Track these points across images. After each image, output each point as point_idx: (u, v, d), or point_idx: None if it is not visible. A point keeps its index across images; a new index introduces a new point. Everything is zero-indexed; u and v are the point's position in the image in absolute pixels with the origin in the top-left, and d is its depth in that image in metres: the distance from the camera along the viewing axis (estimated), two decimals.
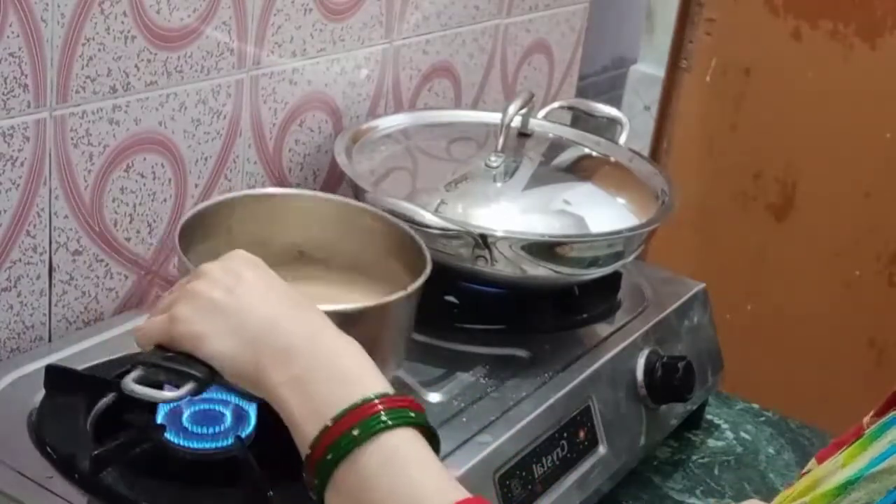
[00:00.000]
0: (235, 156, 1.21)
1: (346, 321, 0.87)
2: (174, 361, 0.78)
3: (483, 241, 1.07)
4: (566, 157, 1.33)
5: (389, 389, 0.69)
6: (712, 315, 1.31)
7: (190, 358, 0.78)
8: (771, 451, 1.29)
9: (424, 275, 0.93)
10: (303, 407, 0.70)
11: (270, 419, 0.78)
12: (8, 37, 0.96)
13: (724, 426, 1.32)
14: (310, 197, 1.07)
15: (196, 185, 1.18)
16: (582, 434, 1.07)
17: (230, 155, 1.21)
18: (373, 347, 0.88)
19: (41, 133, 1.01)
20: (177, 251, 0.89)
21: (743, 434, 1.31)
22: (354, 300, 0.96)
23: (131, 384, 0.77)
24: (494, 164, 1.21)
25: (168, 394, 0.78)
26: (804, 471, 0.80)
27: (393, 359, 0.93)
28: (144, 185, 1.13)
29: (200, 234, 0.94)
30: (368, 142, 1.27)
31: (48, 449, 0.89)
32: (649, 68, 1.98)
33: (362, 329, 0.88)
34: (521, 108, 1.25)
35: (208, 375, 0.78)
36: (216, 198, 0.98)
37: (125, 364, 0.93)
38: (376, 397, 0.68)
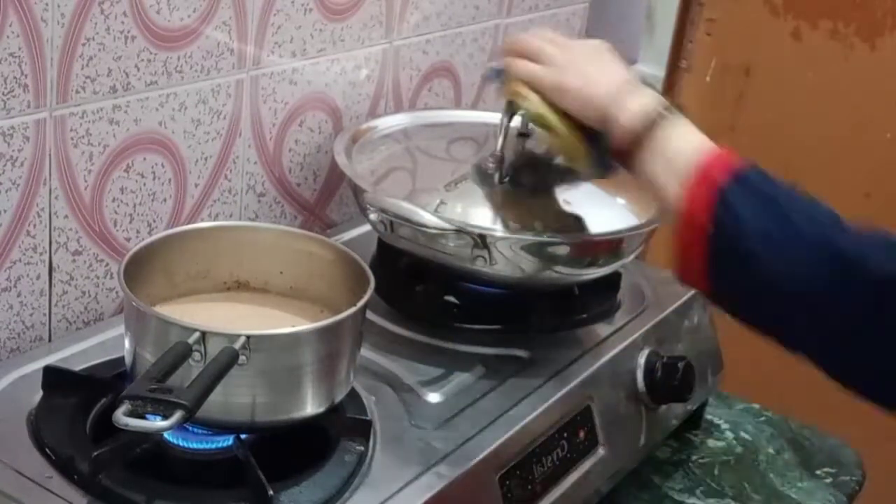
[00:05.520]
0: (235, 156, 1.21)
1: (295, 343, 0.89)
2: (160, 393, 0.79)
3: (482, 241, 1.07)
4: None
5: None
6: (712, 315, 1.30)
7: (172, 390, 0.80)
8: (771, 451, 1.29)
9: (368, 292, 0.93)
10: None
11: None
12: (8, 37, 0.96)
13: (724, 426, 1.32)
14: (245, 228, 1.08)
15: (196, 185, 1.18)
16: (582, 434, 1.07)
17: (230, 155, 1.21)
18: (327, 364, 0.91)
19: (41, 133, 1.01)
20: (123, 289, 0.90)
21: (743, 434, 1.31)
22: (299, 322, 0.98)
23: (123, 418, 0.78)
24: (494, 165, 1.21)
25: (160, 423, 0.79)
26: None
27: (346, 373, 0.94)
28: (144, 185, 1.13)
29: (145, 272, 0.96)
30: (368, 142, 1.27)
31: (48, 449, 0.89)
32: (649, 68, 1.98)
33: (316, 348, 0.90)
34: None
35: (195, 404, 0.79)
36: (154, 236, 0.99)
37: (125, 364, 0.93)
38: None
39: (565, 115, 1.02)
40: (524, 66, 1.05)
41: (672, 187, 0.92)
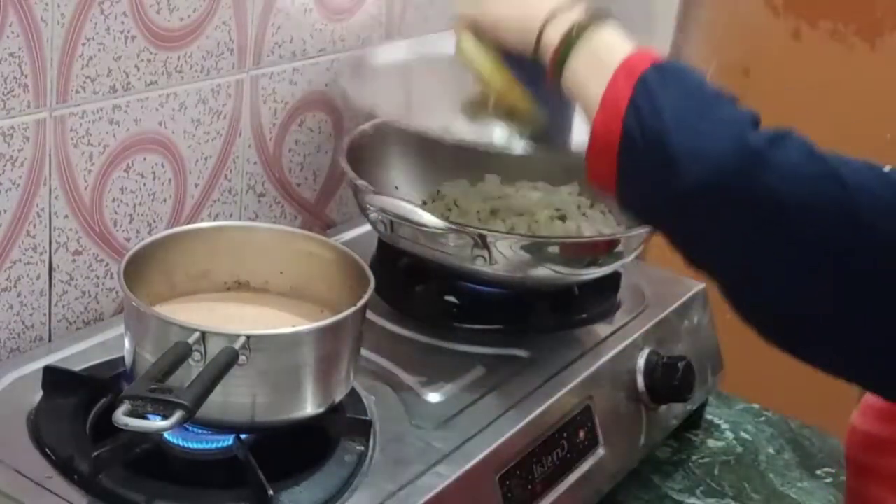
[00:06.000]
0: (235, 156, 1.21)
1: (295, 343, 0.89)
2: (160, 393, 0.79)
3: (482, 240, 1.07)
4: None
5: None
6: (712, 315, 1.31)
7: (172, 390, 0.80)
8: (771, 451, 1.29)
9: (368, 292, 0.94)
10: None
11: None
12: (8, 37, 0.96)
13: (724, 426, 1.32)
14: (245, 228, 1.08)
15: (196, 185, 1.18)
16: (582, 434, 1.07)
17: (230, 155, 1.21)
18: (327, 364, 0.91)
19: (41, 133, 1.01)
20: (123, 289, 0.90)
21: (743, 434, 1.31)
22: (299, 322, 0.98)
23: (123, 418, 0.78)
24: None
25: (160, 423, 0.79)
26: None
27: (346, 373, 0.94)
28: (144, 185, 1.13)
29: (145, 272, 0.96)
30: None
31: (48, 449, 0.89)
32: None
33: (316, 348, 0.90)
34: None
35: (194, 404, 0.79)
36: (154, 236, 0.99)
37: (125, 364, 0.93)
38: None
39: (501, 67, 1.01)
40: (465, 8, 1.04)
41: (598, 88, 0.89)
